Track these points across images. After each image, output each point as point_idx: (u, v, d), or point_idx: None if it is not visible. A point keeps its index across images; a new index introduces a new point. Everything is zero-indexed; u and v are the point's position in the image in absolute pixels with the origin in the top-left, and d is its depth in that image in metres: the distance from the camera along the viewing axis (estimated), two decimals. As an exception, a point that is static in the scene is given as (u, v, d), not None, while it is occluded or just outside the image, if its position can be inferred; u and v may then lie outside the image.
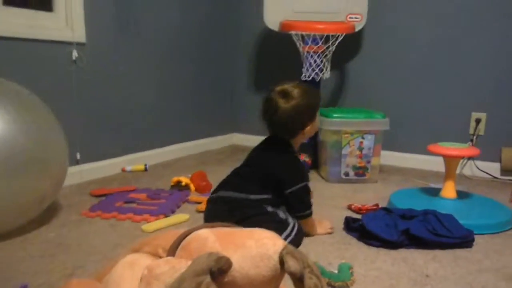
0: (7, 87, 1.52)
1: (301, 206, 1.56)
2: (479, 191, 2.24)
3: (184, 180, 2.15)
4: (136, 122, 2.54)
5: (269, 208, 1.51)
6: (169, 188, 2.16)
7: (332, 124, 2.35)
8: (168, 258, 0.82)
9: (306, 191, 1.58)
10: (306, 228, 1.59)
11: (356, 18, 2.61)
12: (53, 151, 1.56)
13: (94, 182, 2.21)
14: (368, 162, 2.38)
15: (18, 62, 1.92)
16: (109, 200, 1.92)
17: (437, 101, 2.71)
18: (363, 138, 2.34)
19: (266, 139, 1.64)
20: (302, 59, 2.56)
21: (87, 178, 2.23)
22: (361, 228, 1.60)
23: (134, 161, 2.50)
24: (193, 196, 2.04)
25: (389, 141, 2.63)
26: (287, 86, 1.52)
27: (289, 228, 1.48)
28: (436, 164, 2.48)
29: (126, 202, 1.91)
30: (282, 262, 0.78)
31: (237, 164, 1.66)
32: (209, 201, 1.60)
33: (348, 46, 2.73)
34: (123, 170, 2.44)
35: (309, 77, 2.53)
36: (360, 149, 2.35)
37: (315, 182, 2.37)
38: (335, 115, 2.37)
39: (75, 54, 2.13)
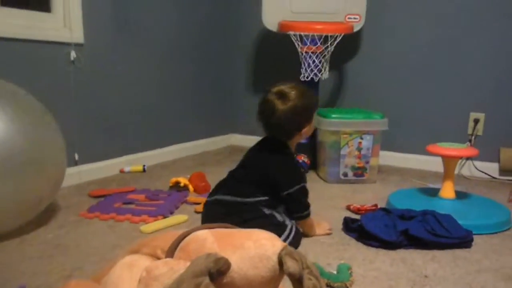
0: (5, 87, 1.52)
1: (299, 207, 1.55)
2: (478, 191, 2.24)
3: (183, 180, 2.14)
4: (134, 123, 2.54)
5: (266, 211, 1.49)
6: (167, 189, 2.16)
7: (330, 124, 2.35)
8: (167, 259, 0.81)
9: (304, 193, 1.56)
10: (304, 229, 1.59)
11: (354, 18, 2.62)
12: (51, 152, 1.56)
13: (93, 183, 2.20)
14: (367, 162, 2.37)
15: (16, 63, 1.92)
16: (108, 201, 1.92)
17: (436, 101, 2.72)
18: (361, 138, 2.34)
19: (262, 139, 1.62)
20: (300, 59, 2.56)
21: (86, 179, 2.23)
22: (360, 229, 1.60)
23: (132, 162, 2.50)
24: (192, 197, 2.03)
25: (387, 142, 2.63)
26: (284, 87, 1.51)
27: (287, 231, 1.47)
28: (434, 164, 2.48)
29: (124, 203, 1.90)
30: (281, 263, 0.78)
31: (236, 165, 1.65)
32: (205, 205, 1.59)
33: (347, 46, 2.73)
34: (122, 171, 2.43)
35: (307, 77, 2.53)
36: (359, 149, 2.35)
37: (313, 183, 2.37)
38: (333, 115, 2.37)
39: (73, 54, 2.12)
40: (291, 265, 0.76)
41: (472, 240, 1.59)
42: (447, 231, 1.55)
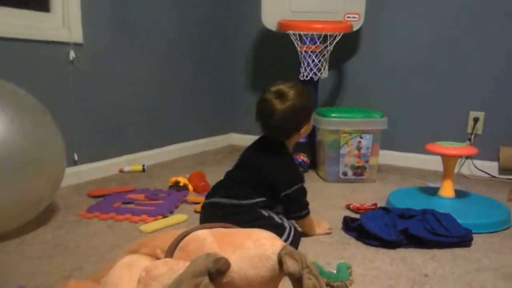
0: (4, 87, 1.52)
1: (297, 207, 1.54)
2: (477, 190, 2.24)
3: (182, 180, 2.14)
4: (133, 122, 2.54)
5: (265, 212, 1.48)
6: (167, 188, 2.16)
7: (330, 123, 2.35)
8: (166, 259, 0.81)
9: (302, 192, 1.55)
10: (304, 228, 1.58)
11: (354, 17, 2.61)
12: (50, 152, 1.56)
13: (92, 183, 2.20)
14: (367, 161, 2.37)
15: (15, 63, 1.91)
16: (107, 201, 1.92)
17: (435, 101, 2.72)
18: (361, 137, 2.34)
19: (259, 139, 1.60)
20: (300, 58, 2.56)
21: (85, 179, 2.23)
22: (359, 228, 1.60)
23: (132, 162, 2.49)
24: (192, 196, 2.03)
25: (387, 141, 2.63)
26: (283, 87, 1.49)
27: (286, 233, 1.45)
28: (434, 163, 2.48)
29: (124, 203, 1.90)
30: (280, 262, 0.78)
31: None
32: (203, 208, 1.58)
33: (346, 45, 2.73)
34: (121, 171, 2.43)
35: (307, 76, 2.53)
36: (359, 148, 2.35)
37: (313, 182, 2.37)
38: (333, 114, 2.37)
39: (72, 54, 2.12)
40: (291, 265, 0.76)
41: (471, 239, 1.59)
42: (446, 230, 1.55)
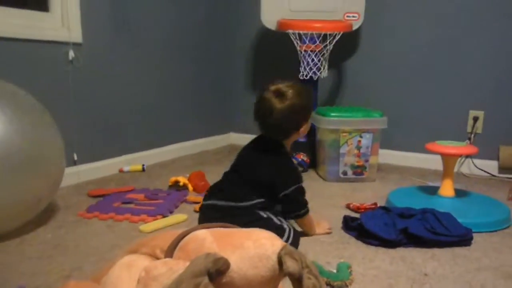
0: (3, 87, 1.52)
1: (296, 206, 1.53)
2: (477, 189, 2.24)
3: (182, 180, 2.14)
4: (133, 122, 2.54)
5: (263, 214, 1.47)
6: (167, 188, 2.16)
7: (330, 123, 2.34)
8: (166, 259, 0.81)
9: (301, 192, 1.54)
10: (304, 227, 1.58)
11: (353, 16, 2.61)
12: (49, 151, 1.55)
13: (92, 183, 2.20)
14: (366, 161, 2.37)
15: (14, 63, 1.91)
16: (107, 200, 1.92)
17: (435, 100, 2.71)
18: (361, 137, 2.34)
19: (257, 138, 1.58)
20: (299, 58, 2.56)
21: (85, 178, 2.23)
22: (359, 227, 1.60)
23: (131, 162, 2.49)
24: (191, 196, 2.03)
25: (387, 140, 2.63)
26: (282, 86, 1.48)
27: (286, 234, 1.44)
28: (434, 162, 2.48)
29: (123, 203, 1.90)
30: (280, 262, 0.77)
31: (233, 164, 1.64)
32: (200, 209, 1.57)
33: (346, 44, 2.72)
34: (121, 171, 2.43)
35: (306, 76, 2.52)
36: (358, 148, 2.35)
37: (313, 181, 2.37)
38: (332, 114, 2.37)
39: (71, 54, 2.12)
40: (290, 265, 0.76)
41: (471, 238, 1.59)
42: (446, 229, 1.55)
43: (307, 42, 2.49)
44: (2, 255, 1.40)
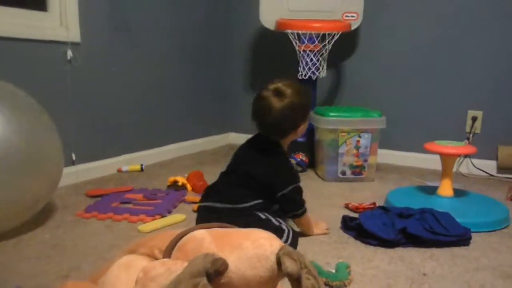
0: (1, 87, 1.51)
1: (294, 206, 1.52)
2: (476, 189, 2.24)
3: (181, 180, 2.14)
4: (131, 122, 2.53)
5: (261, 215, 1.46)
6: (165, 188, 2.15)
7: (328, 122, 2.34)
8: (164, 259, 0.81)
9: (298, 192, 1.53)
10: (301, 227, 1.58)
11: (352, 16, 2.61)
12: (48, 151, 1.55)
13: (90, 183, 2.20)
14: (365, 160, 2.37)
15: (12, 62, 1.91)
16: (105, 200, 1.91)
17: (434, 100, 2.72)
18: (359, 136, 2.34)
19: (254, 137, 1.57)
20: (298, 58, 2.55)
21: (83, 178, 2.22)
22: (358, 227, 1.60)
23: (130, 161, 2.49)
24: (190, 196, 2.03)
25: (385, 140, 2.63)
26: (280, 85, 1.47)
27: (285, 235, 1.43)
28: (433, 162, 2.48)
29: (122, 203, 1.90)
30: (279, 262, 0.77)
31: (231, 165, 1.64)
32: (198, 211, 1.56)
33: (345, 44, 2.72)
34: (119, 171, 2.43)
35: (305, 76, 2.52)
36: (357, 147, 2.35)
37: (312, 181, 2.37)
38: (331, 113, 2.36)
39: (69, 54, 2.12)
40: (289, 265, 0.76)
41: (470, 238, 1.59)
42: (445, 229, 1.55)
43: (306, 42, 2.49)
44: (0, 255, 1.40)
